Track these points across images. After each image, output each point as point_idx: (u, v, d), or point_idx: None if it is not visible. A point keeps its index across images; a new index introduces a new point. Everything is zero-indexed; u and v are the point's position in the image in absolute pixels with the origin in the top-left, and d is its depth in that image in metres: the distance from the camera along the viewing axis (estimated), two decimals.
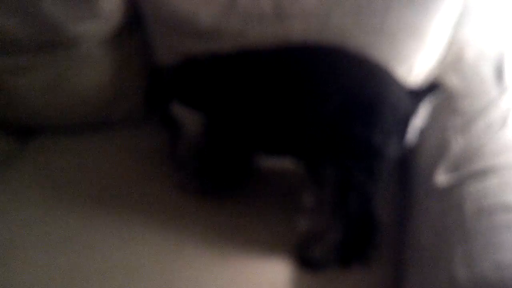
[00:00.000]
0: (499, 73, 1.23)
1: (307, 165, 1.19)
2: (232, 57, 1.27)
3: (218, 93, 1.25)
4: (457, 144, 1.13)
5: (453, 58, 1.36)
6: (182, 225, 1.29)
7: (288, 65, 1.19)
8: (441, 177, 1.10)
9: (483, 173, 1.02)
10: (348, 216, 1.12)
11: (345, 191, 1.10)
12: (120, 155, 1.48)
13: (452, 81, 1.29)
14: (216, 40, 1.36)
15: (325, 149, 1.12)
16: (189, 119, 1.29)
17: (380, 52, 1.30)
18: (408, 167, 1.34)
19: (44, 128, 1.61)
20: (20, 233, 1.29)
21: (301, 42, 1.28)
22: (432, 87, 1.16)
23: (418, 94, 1.15)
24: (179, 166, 1.36)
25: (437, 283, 0.93)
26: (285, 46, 1.25)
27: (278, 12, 1.31)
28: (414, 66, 1.36)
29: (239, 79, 1.23)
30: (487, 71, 1.26)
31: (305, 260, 1.17)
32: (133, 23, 1.51)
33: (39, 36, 1.41)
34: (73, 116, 1.56)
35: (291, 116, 1.16)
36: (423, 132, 1.27)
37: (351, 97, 1.10)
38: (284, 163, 1.34)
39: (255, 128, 1.23)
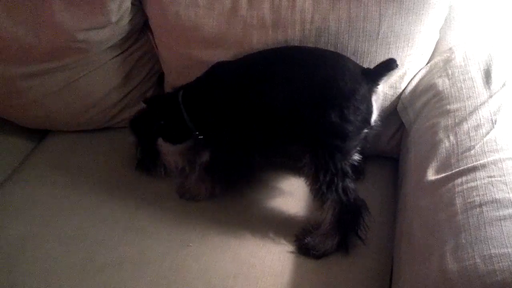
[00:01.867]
0: (487, 76, 1.26)
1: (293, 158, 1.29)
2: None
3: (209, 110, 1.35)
4: (448, 144, 1.16)
5: (443, 62, 1.39)
6: (189, 219, 1.33)
7: (261, 68, 1.30)
8: (433, 174, 1.13)
9: (473, 171, 1.05)
10: (327, 188, 1.20)
11: (319, 172, 1.20)
12: (129, 155, 1.52)
13: (443, 83, 1.32)
14: (218, 47, 1.40)
15: (297, 135, 1.24)
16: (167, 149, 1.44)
17: (376, 59, 1.35)
18: (401, 165, 1.39)
19: (58, 129, 1.66)
20: (36, 227, 1.34)
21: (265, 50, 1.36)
22: (387, 65, 1.25)
23: (374, 74, 1.25)
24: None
25: (429, 276, 0.95)
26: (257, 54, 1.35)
27: (277, 19, 1.35)
28: (408, 72, 1.41)
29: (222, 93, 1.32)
30: (476, 73, 1.29)
31: (304, 248, 1.24)
32: (140, 30, 1.56)
33: (51, 44, 1.44)
34: (84, 118, 1.61)
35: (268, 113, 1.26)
36: (416, 132, 1.31)
37: (307, 84, 1.22)
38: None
39: (246, 128, 1.30)
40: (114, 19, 1.43)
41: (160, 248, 1.26)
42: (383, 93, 1.40)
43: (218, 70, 1.34)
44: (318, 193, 1.22)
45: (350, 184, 1.21)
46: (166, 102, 1.42)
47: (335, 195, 1.20)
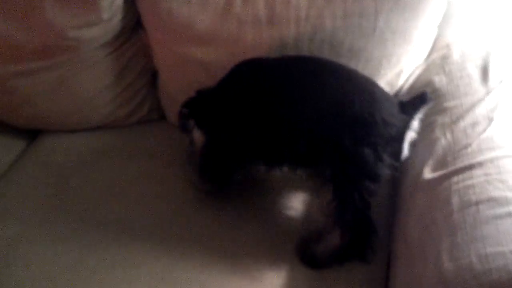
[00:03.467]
0: (485, 73, 1.26)
1: (306, 173, 1.25)
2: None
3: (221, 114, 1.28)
4: (445, 141, 1.15)
5: (440, 59, 1.39)
6: (183, 223, 1.31)
7: (281, 80, 1.21)
8: (430, 173, 1.12)
9: (469, 169, 1.05)
10: (345, 222, 1.14)
11: (343, 210, 1.13)
12: (122, 154, 1.52)
13: (440, 81, 1.32)
14: (212, 44, 1.39)
15: (320, 160, 1.14)
16: (196, 134, 1.32)
17: (372, 56, 1.34)
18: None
19: (50, 128, 1.64)
20: (28, 228, 1.32)
21: (294, 56, 1.31)
22: (422, 99, 1.17)
23: (409, 107, 1.17)
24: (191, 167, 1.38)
25: (425, 275, 0.95)
26: (278, 60, 1.27)
27: (272, 16, 1.34)
28: (404, 69, 1.40)
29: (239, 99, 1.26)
30: (473, 70, 1.28)
31: (306, 259, 1.20)
32: (133, 28, 1.55)
33: (42, 41, 1.43)
34: (76, 118, 1.60)
35: (284, 129, 1.18)
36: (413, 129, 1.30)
37: (341, 111, 1.12)
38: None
39: (254, 141, 1.23)
40: (106, 16, 1.42)
41: (154, 250, 1.25)
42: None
43: (244, 69, 1.27)
44: (337, 223, 1.15)
45: (370, 216, 1.14)
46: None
47: (352, 224, 1.14)
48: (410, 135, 1.16)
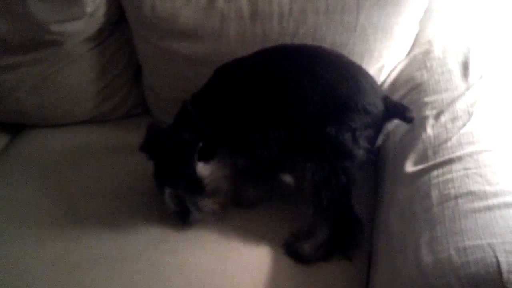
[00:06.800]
0: (465, 68, 1.27)
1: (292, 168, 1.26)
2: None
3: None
4: (426, 136, 1.16)
5: (422, 54, 1.39)
6: (168, 218, 1.30)
7: (269, 69, 1.22)
8: (411, 166, 1.13)
9: (449, 163, 1.06)
10: (329, 214, 1.17)
11: (321, 189, 1.16)
12: (106, 149, 1.51)
13: (422, 76, 1.33)
14: (195, 39, 1.39)
15: (303, 149, 1.18)
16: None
17: (354, 51, 1.35)
18: (380, 157, 1.38)
19: (33, 123, 1.63)
20: (11, 224, 1.31)
21: (278, 45, 1.30)
22: (407, 119, 1.21)
23: (392, 106, 1.20)
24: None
25: (405, 268, 0.96)
26: (264, 50, 1.28)
27: (255, 12, 1.34)
28: (386, 64, 1.41)
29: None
30: (454, 66, 1.29)
31: (294, 255, 1.21)
32: (117, 22, 1.54)
33: (25, 35, 1.43)
34: (59, 112, 1.59)
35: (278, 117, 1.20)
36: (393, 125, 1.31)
37: (326, 96, 1.16)
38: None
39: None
40: (89, 10, 1.41)
41: (137, 245, 1.25)
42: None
43: (226, 71, 1.27)
44: (318, 207, 1.18)
45: (352, 207, 1.18)
46: (178, 117, 1.30)
47: (335, 212, 1.17)
48: (387, 128, 1.23)
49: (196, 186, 1.23)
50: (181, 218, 1.26)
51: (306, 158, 1.17)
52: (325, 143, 1.15)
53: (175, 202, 1.25)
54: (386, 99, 1.21)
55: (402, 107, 1.22)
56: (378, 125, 1.20)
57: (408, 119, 1.21)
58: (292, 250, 1.22)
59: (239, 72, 1.26)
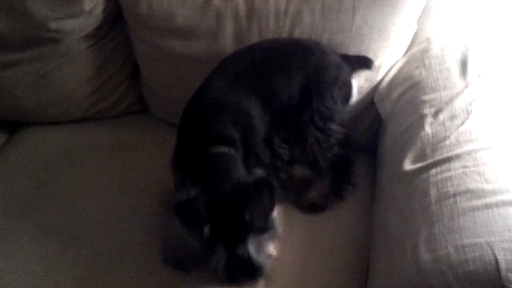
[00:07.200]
0: (463, 66, 1.26)
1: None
2: None
3: None
4: (424, 134, 1.16)
5: (420, 52, 1.39)
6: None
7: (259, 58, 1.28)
8: (409, 165, 1.13)
9: (447, 161, 1.06)
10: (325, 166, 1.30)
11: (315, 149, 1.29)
12: (104, 147, 1.51)
13: (420, 74, 1.32)
14: (192, 37, 1.39)
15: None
16: None
17: (349, 50, 1.36)
18: (378, 157, 1.39)
19: (32, 121, 1.63)
20: (10, 221, 1.32)
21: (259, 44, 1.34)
22: (367, 64, 1.36)
23: (351, 60, 1.35)
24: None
25: (403, 265, 0.96)
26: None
27: (251, 11, 1.34)
28: (383, 64, 1.41)
29: None
30: (452, 64, 1.29)
31: (306, 207, 1.32)
32: (114, 20, 1.54)
33: (23, 33, 1.42)
34: (57, 110, 1.58)
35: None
36: (393, 123, 1.32)
37: (310, 78, 1.28)
38: None
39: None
40: (87, 7, 1.41)
41: (138, 242, 1.25)
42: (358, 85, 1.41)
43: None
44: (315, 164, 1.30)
45: (340, 136, 1.30)
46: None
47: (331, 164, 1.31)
48: (355, 83, 1.38)
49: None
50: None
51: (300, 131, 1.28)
52: (312, 114, 1.26)
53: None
54: (344, 57, 1.34)
55: (358, 57, 1.36)
56: (348, 83, 1.34)
57: (368, 65, 1.37)
58: (305, 202, 1.32)
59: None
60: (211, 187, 1.06)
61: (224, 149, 1.14)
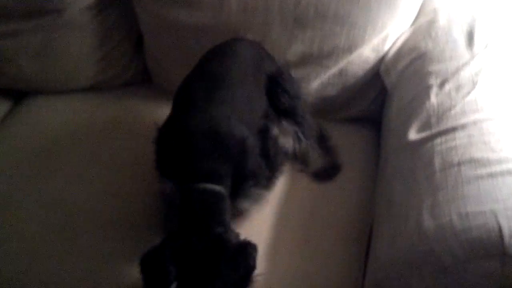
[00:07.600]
0: (470, 37, 1.26)
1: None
2: None
3: None
4: (429, 104, 1.15)
5: (427, 23, 1.38)
6: None
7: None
8: (414, 134, 1.13)
9: (453, 130, 1.05)
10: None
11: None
12: (108, 116, 1.50)
13: (426, 45, 1.31)
14: (197, 7, 1.38)
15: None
16: None
17: (357, 21, 1.34)
18: (383, 127, 1.38)
19: (35, 90, 1.62)
20: (13, 190, 1.31)
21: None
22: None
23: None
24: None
25: (406, 233, 0.96)
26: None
27: None
28: (390, 34, 1.40)
29: None
30: (459, 35, 1.28)
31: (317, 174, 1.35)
32: None
33: (26, 2, 1.42)
34: (61, 79, 1.58)
35: None
36: (398, 93, 1.31)
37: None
38: None
39: None
40: None
41: (144, 211, 1.24)
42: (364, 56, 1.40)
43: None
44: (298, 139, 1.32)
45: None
46: None
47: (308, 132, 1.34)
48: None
49: None
50: None
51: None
52: (278, 97, 1.28)
53: None
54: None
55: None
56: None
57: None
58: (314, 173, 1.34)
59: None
60: (186, 232, 0.98)
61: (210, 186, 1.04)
